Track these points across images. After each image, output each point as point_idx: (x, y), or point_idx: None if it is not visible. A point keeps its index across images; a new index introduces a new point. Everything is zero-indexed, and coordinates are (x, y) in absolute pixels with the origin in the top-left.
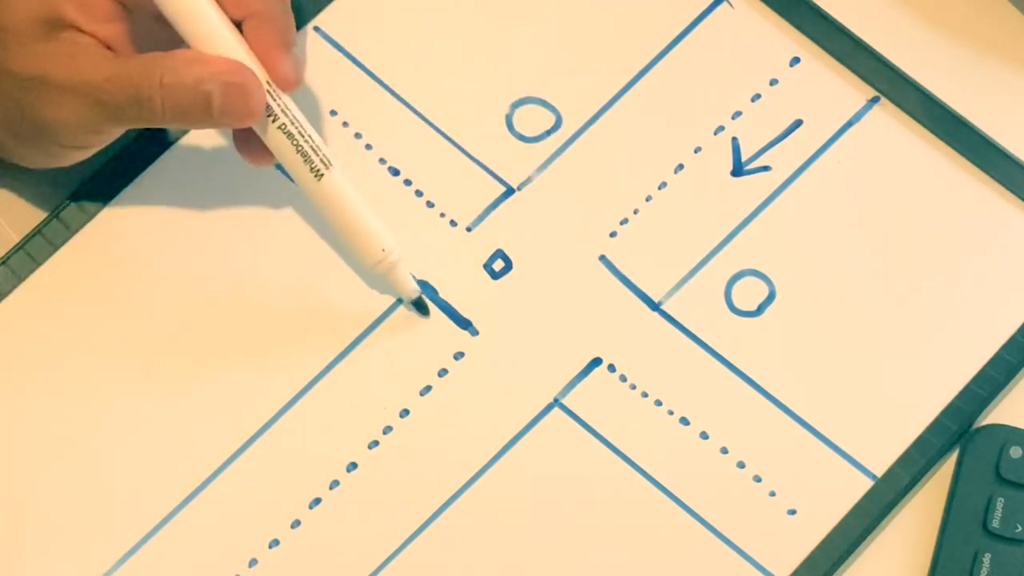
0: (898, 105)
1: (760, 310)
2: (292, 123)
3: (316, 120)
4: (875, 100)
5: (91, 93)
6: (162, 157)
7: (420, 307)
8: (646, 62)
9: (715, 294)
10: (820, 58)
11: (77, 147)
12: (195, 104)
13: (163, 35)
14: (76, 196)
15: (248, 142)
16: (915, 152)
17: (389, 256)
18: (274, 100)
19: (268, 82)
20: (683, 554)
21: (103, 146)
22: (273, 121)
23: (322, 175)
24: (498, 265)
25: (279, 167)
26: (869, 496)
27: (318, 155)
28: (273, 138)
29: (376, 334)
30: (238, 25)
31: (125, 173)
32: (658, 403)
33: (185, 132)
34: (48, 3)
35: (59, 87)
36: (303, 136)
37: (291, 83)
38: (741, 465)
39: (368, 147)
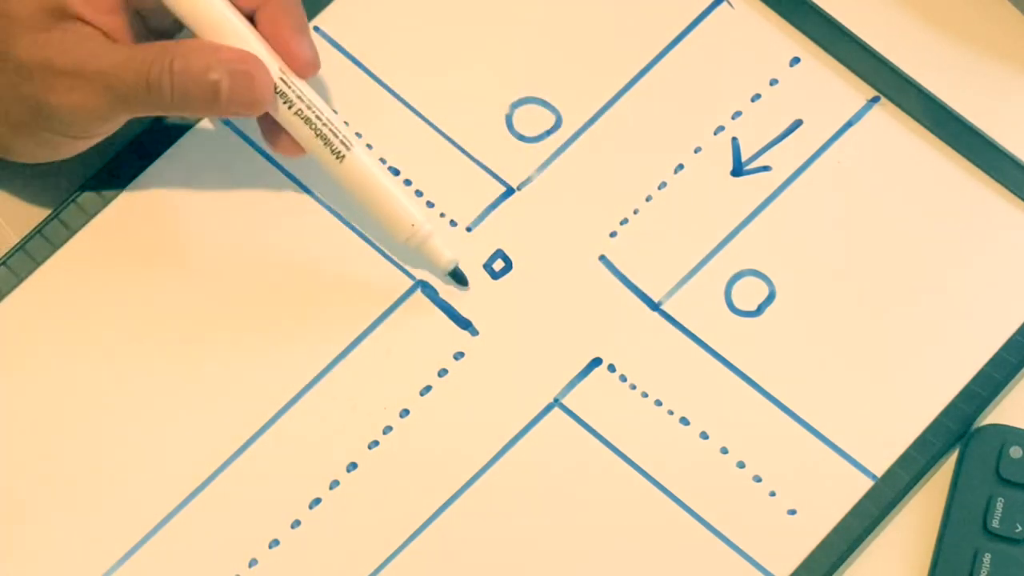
0: (898, 105)
1: (760, 310)
2: (309, 108)
3: None
4: (875, 100)
5: (100, 79)
6: (162, 157)
7: (458, 278)
8: (646, 62)
9: (715, 294)
10: (820, 58)
11: (78, 136)
12: (203, 92)
13: (151, 31)
14: (76, 196)
15: (275, 135)
16: (915, 152)
17: (420, 230)
18: (288, 87)
19: (282, 69)
20: (683, 554)
21: (102, 137)
22: (289, 107)
23: (343, 156)
24: (498, 265)
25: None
26: (869, 496)
27: (338, 137)
28: (292, 125)
29: (376, 334)
30: (251, 17)
31: (124, 174)
32: (658, 403)
33: (180, 135)
34: None
35: (66, 73)
36: (320, 120)
37: (310, 65)
38: (741, 465)
39: (368, 147)
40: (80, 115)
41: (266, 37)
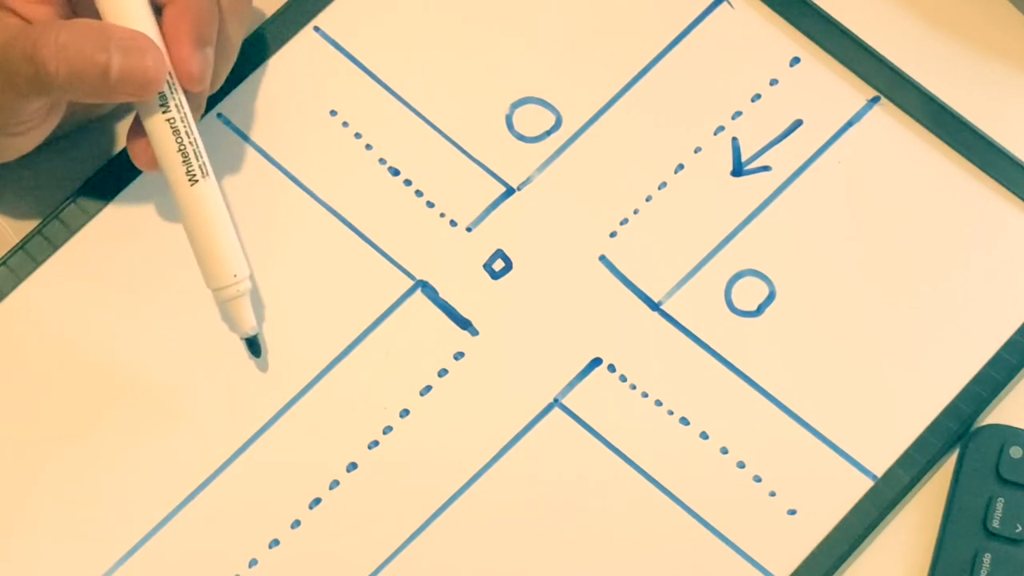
0: (898, 105)
1: (760, 310)
2: (181, 120)
3: (316, 120)
4: (875, 100)
5: None
6: None
7: (252, 347)
8: (646, 62)
9: (715, 294)
10: (820, 58)
11: (5, 127)
12: (92, 68)
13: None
14: (77, 196)
15: (136, 139)
16: (915, 152)
17: (238, 284)
18: (170, 92)
19: (170, 72)
20: (683, 554)
21: (32, 133)
22: (164, 112)
23: (196, 181)
24: (498, 265)
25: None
26: (869, 496)
27: (198, 160)
28: (157, 130)
29: (376, 334)
30: (159, 11)
31: (124, 175)
32: (658, 403)
33: None
34: None
35: None
36: (188, 136)
37: (193, 79)
38: (741, 465)
39: (368, 147)
40: None
41: (164, 37)
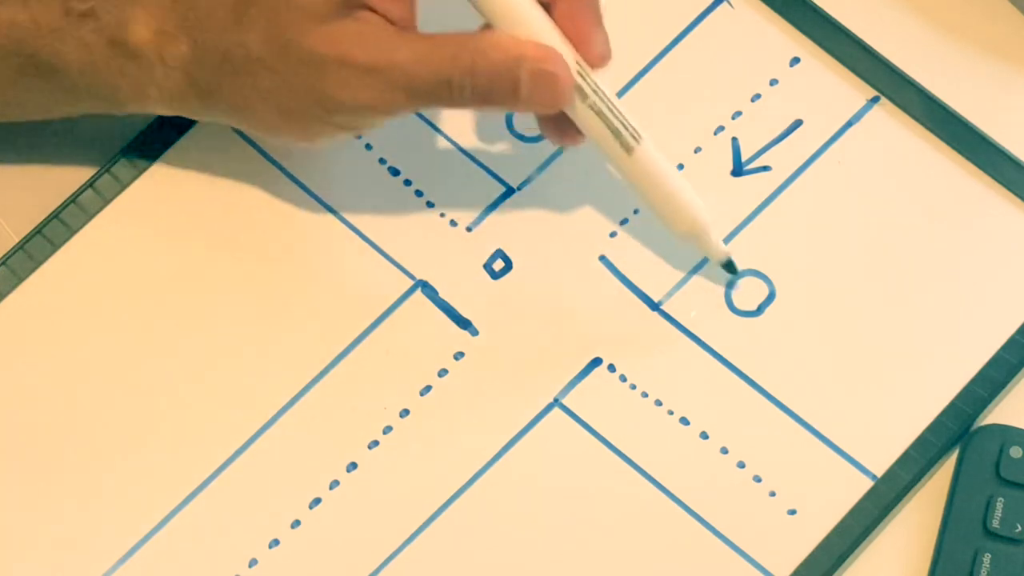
0: (898, 105)
1: (760, 310)
2: (602, 100)
3: None
4: (875, 100)
5: (399, 77)
6: (164, 156)
7: (730, 268)
8: (646, 62)
9: (715, 294)
10: (820, 58)
11: (357, 129)
12: (502, 89)
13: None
14: (77, 196)
15: (555, 123)
16: (915, 152)
17: (699, 224)
18: (584, 80)
19: (577, 61)
20: (683, 554)
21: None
22: (583, 100)
23: (632, 149)
24: (498, 265)
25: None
26: (869, 496)
27: (627, 130)
28: (583, 117)
29: (376, 334)
30: (546, 6)
31: (126, 174)
32: (658, 403)
33: (178, 138)
34: None
35: (362, 68)
36: (612, 112)
37: (605, 60)
38: (741, 465)
39: (368, 147)
40: (370, 112)
41: (563, 29)
